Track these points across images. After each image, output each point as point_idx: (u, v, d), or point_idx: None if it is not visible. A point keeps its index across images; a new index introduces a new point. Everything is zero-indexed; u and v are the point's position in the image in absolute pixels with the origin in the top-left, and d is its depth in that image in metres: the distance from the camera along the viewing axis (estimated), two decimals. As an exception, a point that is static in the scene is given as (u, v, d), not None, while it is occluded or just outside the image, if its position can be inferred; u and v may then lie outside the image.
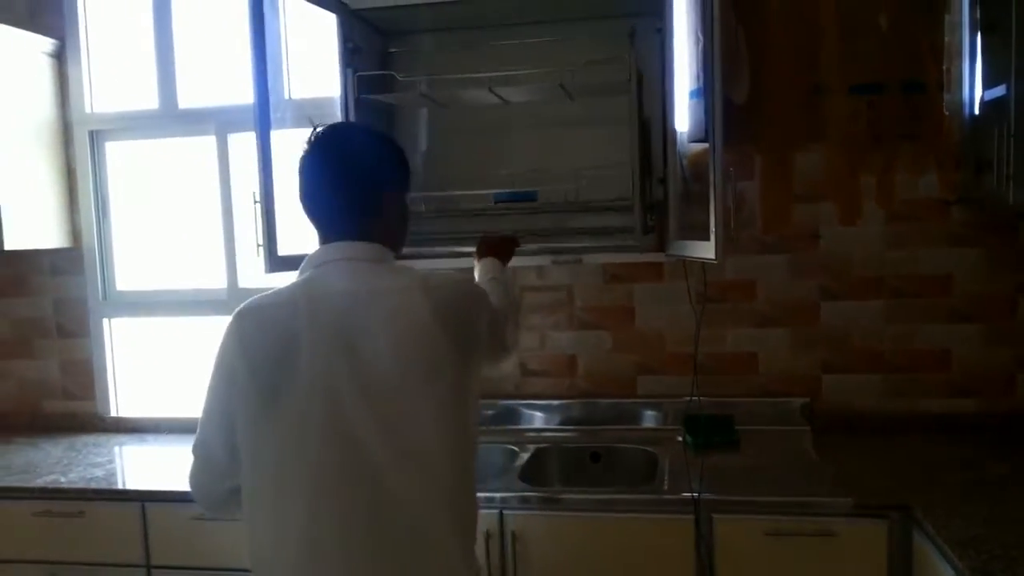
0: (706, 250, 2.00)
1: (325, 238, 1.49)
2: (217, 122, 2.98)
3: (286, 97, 2.80)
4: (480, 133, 2.74)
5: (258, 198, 2.13)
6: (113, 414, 3.14)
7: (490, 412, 2.81)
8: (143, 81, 3.05)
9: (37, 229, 2.94)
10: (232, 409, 1.40)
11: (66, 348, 3.16)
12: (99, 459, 2.79)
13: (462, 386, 1.43)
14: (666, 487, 2.22)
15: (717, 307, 2.68)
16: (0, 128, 2.79)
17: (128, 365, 3.20)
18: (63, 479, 2.56)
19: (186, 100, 3.02)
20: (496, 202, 2.58)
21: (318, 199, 1.48)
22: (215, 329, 3.04)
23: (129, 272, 3.16)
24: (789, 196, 2.65)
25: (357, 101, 2.46)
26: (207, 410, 1.45)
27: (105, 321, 3.13)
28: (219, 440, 1.43)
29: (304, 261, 1.49)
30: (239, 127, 2.95)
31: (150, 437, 3.03)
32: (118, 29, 3.08)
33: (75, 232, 3.10)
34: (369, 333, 1.37)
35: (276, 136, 2.23)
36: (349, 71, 2.47)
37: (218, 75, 3.02)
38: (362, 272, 1.44)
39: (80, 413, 3.15)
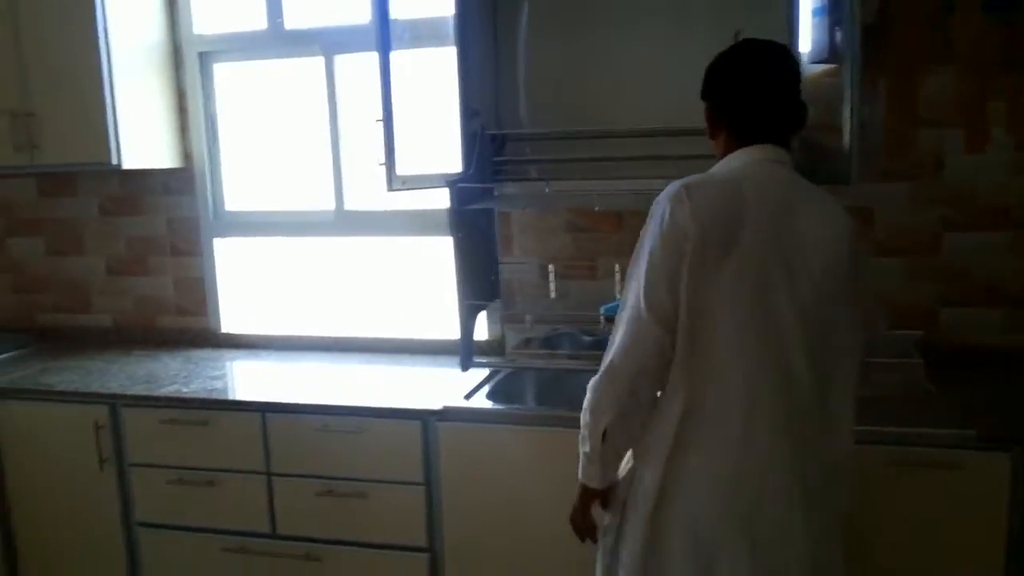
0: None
1: (746, 140, 1.57)
2: (323, 43, 2.98)
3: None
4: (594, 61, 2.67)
5: (380, 117, 2.14)
6: (224, 330, 3.26)
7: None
8: (251, 2, 3.06)
9: (151, 149, 3.02)
10: (679, 267, 1.46)
11: (179, 266, 3.27)
12: (215, 372, 2.91)
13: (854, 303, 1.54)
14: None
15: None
16: (114, 51, 2.83)
17: (238, 283, 3.30)
18: (185, 389, 2.68)
19: (292, 21, 3.02)
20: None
21: (763, 101, 1.56)
22: (321, 249, 3.16)
23: (238, 193, 3.23)
24: (913, 121, 2.54)
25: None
26: (654, 267, 1.48)
27: (216, 240, 3.22)
28: (666, 296, 1.48)
29: (729, 157, 1.58)
30: (346, 48, 2.96)
31: (261, 352, 3.14)
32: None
33: (186, 153, 3.17)
34: (800, 227, 1.49)
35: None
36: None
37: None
38: (791, 175, 1.55)
39: (192, 328, 3.28)
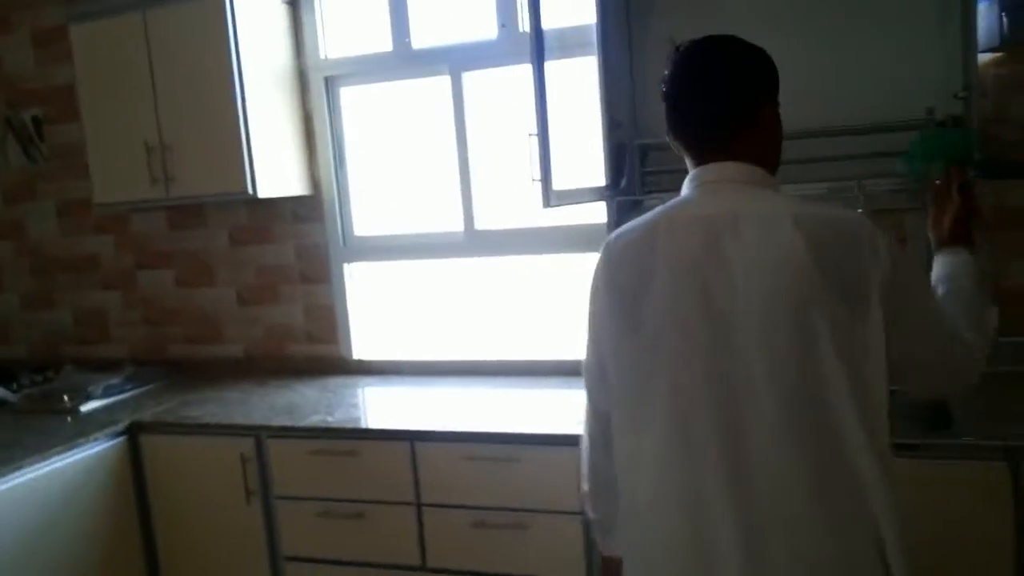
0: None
1: (696, 161, 1.39)
2: (451, 61, 2.92)
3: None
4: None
5: (535, 131, 2.05)
6: (356, 357, 3.21)
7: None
8: (375, 24, 3.03)
9: (281, 177, 3.00)
10: (599, 336, 1.39)
11: (308, 293, 3.24)
12: (354, 400, 2.87)
13: (843, 341, 1.21)
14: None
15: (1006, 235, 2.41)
16: (247, 80, 2.83)
17: (368, 309, 3.25)
18: (330, 419, 2.63)
19: (418, 41, 2.98)
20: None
21: (688, 116, 1.38)
22: (450, 272, 3.09)
23: (366, 217, 3.19)
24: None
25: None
26: (589, 342, 1.44)
27: (345, 266, 3.18)
28: (597, 371, 1.43)
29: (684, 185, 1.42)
30: (473, 65, 2.90)
31: (394, 379, 3.08)
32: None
33: (314, 179, 3.15)
34: (725, 263, 1.25)
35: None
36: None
37: (450, 13, 2.95)
38: (726, 195, 1.33)
39: (324, 356, 3.24)
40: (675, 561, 1.28)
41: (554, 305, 3.00)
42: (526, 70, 2.76)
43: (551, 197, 2.06)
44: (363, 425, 2.58)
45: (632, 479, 1.36)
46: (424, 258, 3.11)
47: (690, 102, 1.37)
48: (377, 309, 3.26)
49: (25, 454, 2.47)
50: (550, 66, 2.58)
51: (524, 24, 2.80)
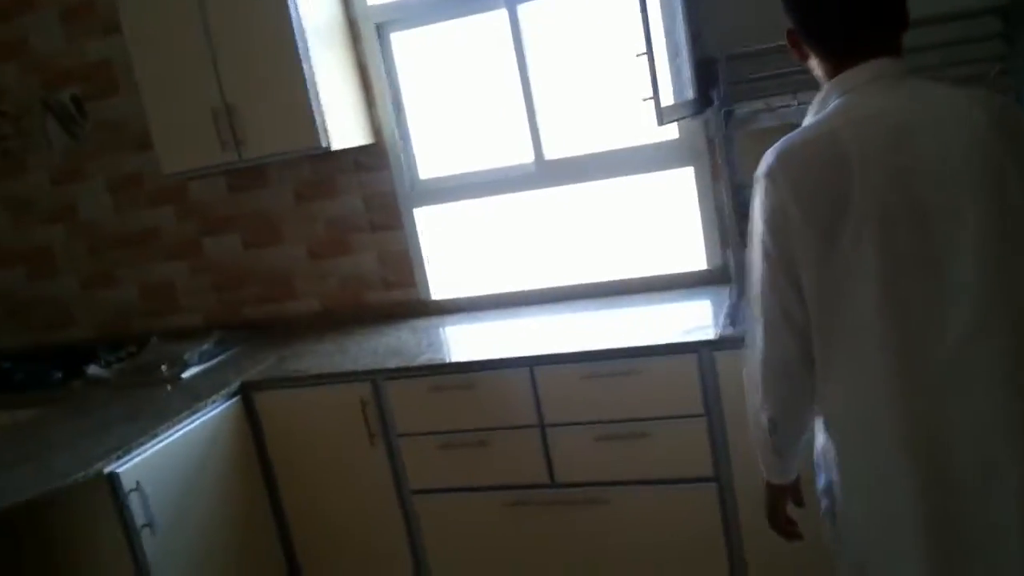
0: None
1: (841, 64, 1.41)
2: (506, -6, 2.94)
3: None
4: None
5: (643, 51, 2.10)
6: (435, 298, 3.28)
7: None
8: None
9: (346, 129, 3.01)
10: (794, 255, 1.39)
11: (380, 241, 3.29)
12: (451, 337, 2.95)
13: None
14: None
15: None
16: (307, 31, 2.82)
17: (442, 250, 3.31)
18: (439, 355, 2.72)
19: (469, -23, 2.99)
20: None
21: (832, 14, 1.40)
22: (522, 205, 3.14)
23: (431, 160, 3.23)
24: None
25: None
26: (771, 263, 1.42)
27: (415, 211, 3.23)
28: (791, 291, 1.41)
29: (824, 92, 1.45)
30: (530, -5, 2.92)
31: (481, 314, 3.16)
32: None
33: (375, 127, 3.17)
34: (920, 154, 1.32)
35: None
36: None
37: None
38: (895, 90, 1.38)
39: (402, 301, 3.31)
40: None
41: (631, 225, 3.09)
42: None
43: (665, 114, 2.11)
44: (474, 358, 2.66)
45: (853, 373, 1.41)
46: (494, 194, 3.16)
47: (844, 5, 1.38)
48: (451, 249, 3.33)
49: (155, 423, 2.52)
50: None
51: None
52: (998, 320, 1.32)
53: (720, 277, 2.92)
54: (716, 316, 2.58)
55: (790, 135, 1.42)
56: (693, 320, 2.62)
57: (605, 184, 3.03)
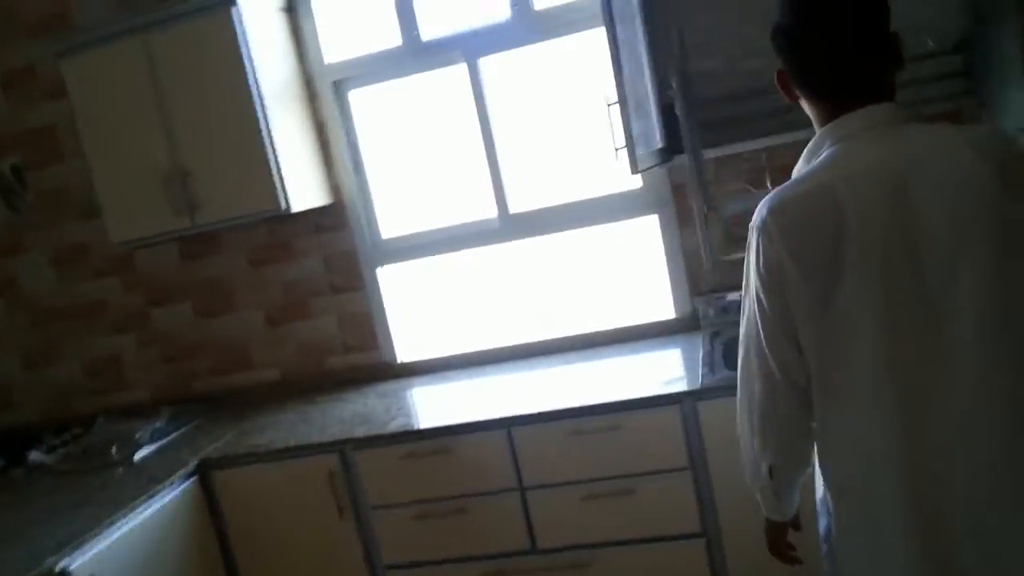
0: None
1: (833, 108, 1.36)
2: (465, 49, 2.90)
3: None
4: None
5: (614, 100, 2.07)
6: (400, 360, 3.17)
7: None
8: (378, 21, 2.98)
9: (303, 189, 2.91)
10: (790, 309, 1.34)
11: (341, 303, 3.18)
12: (421, 400, 2.84)
13: None
14: None
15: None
16: (263, 92, 2.74)
17: (406, 310, 3.22)
18: (411, 420, 2.60)
19: (427, 32, 2.95)
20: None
21: (820, 54, 1.34)
22: (487, 260, 3.06)
23: (393, 218, 3.15)
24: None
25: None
26: (766, 317, 1.37)
27: (378, 270, 3.13)
28: (787, 344, 1.37)
29: (817, 139, 1.39)
30: (489, 49, 2.89)
31: (450, 374, 3.05)
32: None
33: (334, 186, 3.09)
34: (918, 205, 1.26)
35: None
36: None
37: (456, 1, 2.94)
38: (891, 138, 1.31)
39: (367, 364, 3.19)
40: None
41: (598, 277, 3.05)
42: (543, 48, 2.81)
43: (640, 161, 2.08)
44: (448, 422, 2.55)
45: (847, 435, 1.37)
46: (459, 250, 3.09)
47: (832, 44, 1.32)
48: (416, 309, 3.23)
49: (108, 510, 2.34)
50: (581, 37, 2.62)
51: (537, 3, 2.82)
52: (999, 379, 1.27)
53: (689, 325, 2.88)
54: (691, 365, 2.53)
55: (784, 186, 1.37)
56: (669, 371, 2.56)
57: (571, 235, 2.99)
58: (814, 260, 1.30)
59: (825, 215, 1.29)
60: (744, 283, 1.44)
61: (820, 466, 1.48)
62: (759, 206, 1.37)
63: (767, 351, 1.40)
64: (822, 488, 1.49)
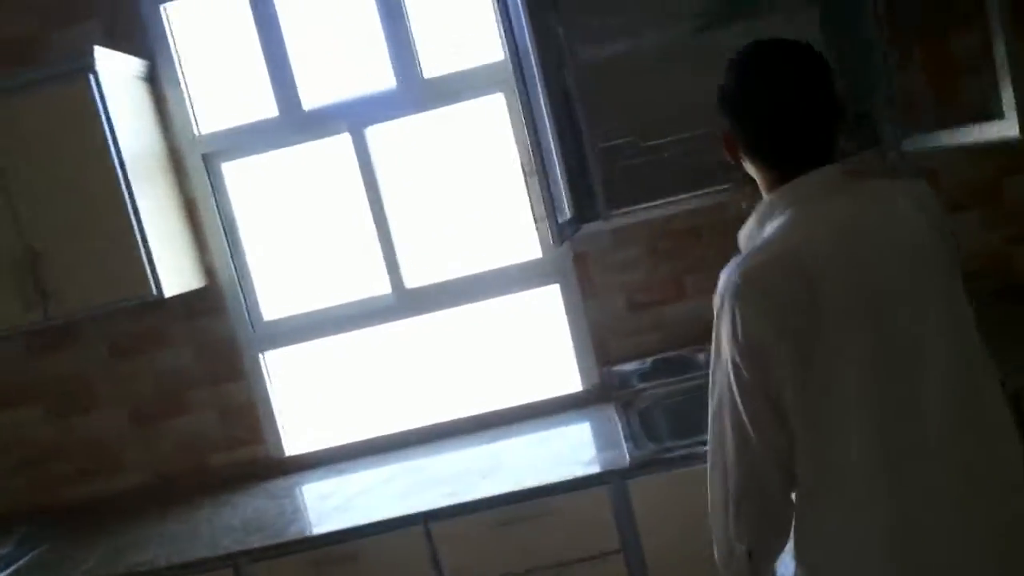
0: (1003, 129, 1.93)
1: (783, 173, 1.35)
2: (350, 118, 2.75)
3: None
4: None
5: (531, 168, 1.97)
6: (290, 453, 2.89)
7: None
8: (253, 90, 2.78)
9: (174, 272, 2.63)
10: (771, 377, 1.28)
11: (221, 394, 2.88)
12: (317, 498, 2.58)
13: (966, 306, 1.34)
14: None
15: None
16: (127, 167, 2.47)
17: (294, 398, 2.95)
18: (311, 525, 2.35)
19: (309, 102, 2.77)
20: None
21: (769, 124, 1.33)
22: (385, 337, 2.85)
23: (276, 299, 2.90)
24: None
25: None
26: (745, 388, 1.30)
27: (259, 356, 2.87)
28: (768, 411, 1.30)
29: (767, 204, 1.36)
30: (377, 118, 2.75)
31: (342, 467, 2.80)
32: (211, 41, 2.80)
33: (208, 268, 2.82)
34: (874, 261, 1.27)
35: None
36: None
37: (339, 67, 2.78)
38: (846, 197, 1.32)
39: (252, 460, 2.89)
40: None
41: (500, 351, 2.92)
42: (431, 117, 2.71)
43: (564, 231, 1.97)
44: (356, 523, 2.31)
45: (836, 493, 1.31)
46: (351, 330, 2.88)
47: (781, 114, 1.32)
48: (306, 396, 2.97)
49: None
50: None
51: (426, 71, 2.71)
52: (965, 442, 1.28)
53: (599, 396, 2.79)
54: (608, 440, 2.43)
55: (748, 254, 1.33)
56: (585, 447, 2.44)
57: (470, 309, 2.85)
58: (792, 324, 1.26)
59: (793, 280, 1.27)
60: (713, 354, 1.36)
61: (795, 542, 1.39)
62: (727, 273, 1.32)
63: (747, 420, 1.31)
64: (792, 567, 1.40)
